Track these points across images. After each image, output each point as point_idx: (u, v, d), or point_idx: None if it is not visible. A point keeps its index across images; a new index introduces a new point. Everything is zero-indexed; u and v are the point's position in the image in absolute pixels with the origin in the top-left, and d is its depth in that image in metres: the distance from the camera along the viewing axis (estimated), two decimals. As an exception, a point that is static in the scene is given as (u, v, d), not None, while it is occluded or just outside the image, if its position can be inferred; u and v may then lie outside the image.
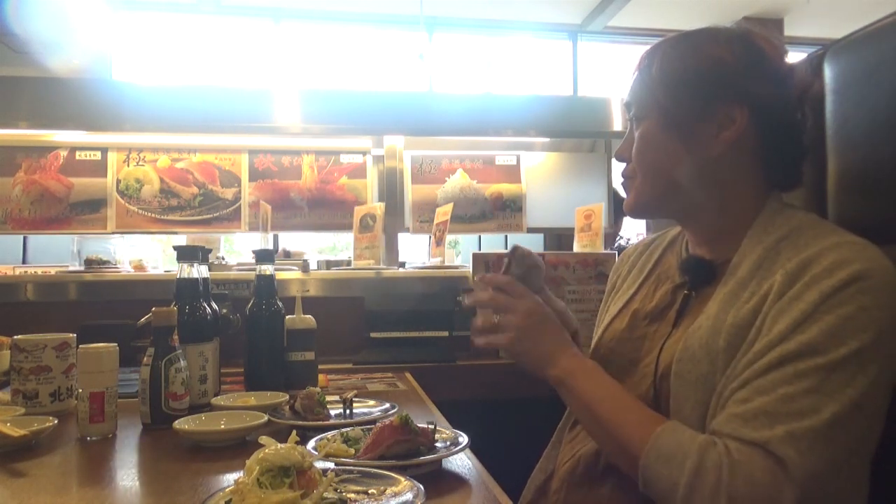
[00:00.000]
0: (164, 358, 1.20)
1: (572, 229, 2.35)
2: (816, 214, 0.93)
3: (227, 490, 0.74)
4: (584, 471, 0.97)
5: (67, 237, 2.45)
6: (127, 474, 0.99)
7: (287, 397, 1.27)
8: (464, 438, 0.98)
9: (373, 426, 0.98)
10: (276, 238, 2.97)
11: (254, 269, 1.57)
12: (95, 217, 2.43)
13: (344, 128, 2.50)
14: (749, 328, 0.82)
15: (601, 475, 0.94)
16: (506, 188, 2.69)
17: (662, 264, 1.07)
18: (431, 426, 0.97)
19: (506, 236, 3.81)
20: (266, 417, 1.14)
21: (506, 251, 1.04)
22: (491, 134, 2.64)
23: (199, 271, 1.39)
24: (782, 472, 0.72)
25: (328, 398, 1.21)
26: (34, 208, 2.40)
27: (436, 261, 2.34)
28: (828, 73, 1.04)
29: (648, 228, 2.43)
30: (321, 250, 4.73)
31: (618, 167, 1.04)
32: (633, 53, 1.01)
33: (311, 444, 0.96)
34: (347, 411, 1.20)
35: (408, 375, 1.73)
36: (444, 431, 1.02)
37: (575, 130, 2.69)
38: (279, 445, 0.74)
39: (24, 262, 3.66)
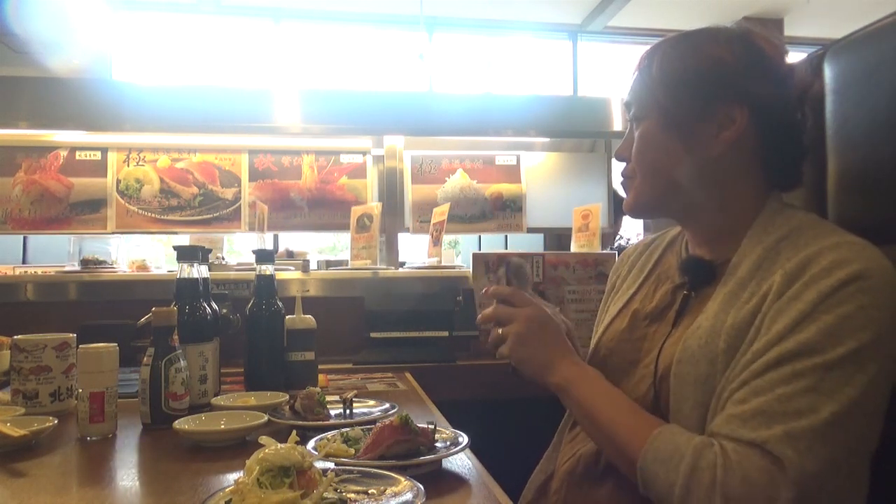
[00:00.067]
0: (164, 358, 1.20)
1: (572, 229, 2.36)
2: (816, 214, 0.93)
3: (227, 490, 0.74)
4: (583, 471, 0.97)
5: (66, 237, 2.45)
6: (127, 474, 0.99)
7: (287, 397, 1.27)
8: (464, 438, 0.98)
9: (373, 426, 0.98)
10: (276, 238, 2.97)
11: (254, 269, 1.58)
12: (95, 217, 2.43)
13: (344, 128, 2.50)
14: (748, 329, 0.82)
15: (601, 475, 0.94)
16: (506, 188, 2.69)
17: (662, 264, 1.07)
18: (431, 426, 0.97)
19: (506, 236, 3.82)
20: (266, 417, 1.14)
21: (504, 251, 1.05)
22: (491, 134, 2.64)
23: (199, 271, 1.39)
24: (779, 472, 0.72)
25: (328, 398, 1.21)
26: (34, 208, 2.40)
27: (433, 261, 2.34)
28: (828, 73, 1.03)
29: (646, 228, 2.43)
30: (321, 250, 4.73)
31: (618, 167, 1.04)
32: (633, 53, 1.01)
33: (311, 444, 0.96)
34: (347, 411, 1.20)
35: (408, 375, 1.73)
36: (444, 431, 1.02)
37: (575, 130, 2.69)
38: (279, 445, 0.74)
39: (24, 262, 3.66)
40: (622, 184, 1.02)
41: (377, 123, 2.49)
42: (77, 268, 2.25)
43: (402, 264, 2.51)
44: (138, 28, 6.20)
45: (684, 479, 0.76)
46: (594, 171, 2.77)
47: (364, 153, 2.61)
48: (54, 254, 2.68)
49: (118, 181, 2.45)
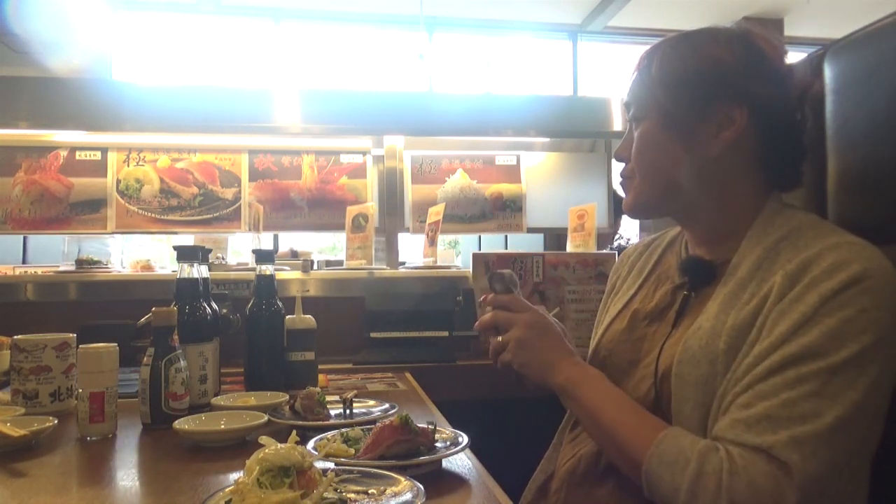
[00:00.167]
0: (164, 358, 1.20)
1: (571, 229, 2.36)
2: (816, 214, 0.93)
3: (227, 490, 0.74)
4: (584, 471, 0.97)
5: (61, 237, 2.45)
6: (127, 474, 0.99)
7: (287, 397, 1.26)
8: (464, 438, 0.98)
9: (373, 426, 0.98)
10: (276, 238, 2.97)
11: (254, 269, 1.57)
12: (95, 217, 2.43)
13: (344, 128, 2.50)
14: (749, 329, 0.82)
15: (601, 475, 0.94)
16: (506, 188, 2.69)
17: (662, 265, 1.07)
18: (431, 426, 0.97)
19: (506, 236, 3.82)
20: (266, 417, 1.14)
21: (503, 250, 1.05)
22: (491, 134, 2.64)
23: (199, 271, 1.39)
24: (785, 477, 0.73)
25: (328, 398, 1.21)
26: (34, 208, 2.39)
27: (428, 261, 2.34)
28: (828, 73, 1.03)
29: (644, 228, 2.43)
30: (321, 250, 4.73)
31: (618, 167, 1.04)
32: (633, 53, 1.01)
33: (311, 444, 0.96)
34: (347, 411, 1.20)
35: (408, 375, 1.73)
36: (444, 431, 1.02)
37: (575, 130, 2.69)
38: (279, 445, 0.74)
39: (24, 262, 3.66)
40: (621, 184, 1.02)
41: (377, 123, 2.49)
42: (72, 268, 2.25)
43: (402, 264, 2.51)
44: (138, 28, 6.20)
45: (690, 483, 0.76)
46: (594, 171, 2.78)
47: (364, 153, 2.61)
48: (54, 254, 2.68)
49: (118, 181, 2.45)
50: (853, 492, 0.80)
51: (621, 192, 1.03)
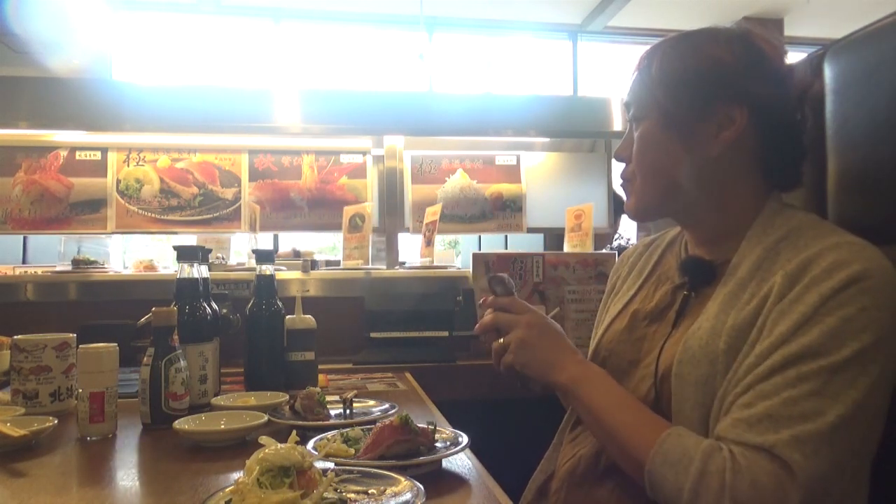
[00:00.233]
0: (164, 358, 1.20)
1: (571, 229, 2.36)
2: (816, 214, 0.93)
3: (227, 490, 0.74)
4: (584, 471, 0.97)
5: (58, 237, 2.45)
6: (127, 474, 0.99)
7: (287, 397, 1.27)
8: (464, 438, 0.98)
9: (373, 426, 0.98)
10: (276, 238, 2.97)
11: (253, 269, 1.57)
12: (95, 217, 2.43)
13: (344, 128, 2.50)
14: (749, 329, 0.82)
15: (601, 475, 0.94)
16: (506, 188, 2.69)
17: (662, 265, 1.07)
18: (431, 426, 0.97)
19: (506, 236, 3.82)
20: (266, 417, 1.14)
21: (503, 250, 1.05)
22: (491, 134, 2.64)
23: (199, 271, 1.39)
24: (788, 476, 0.73)
25: (328, 398, 1.21)
26: (34, 208, 2.40)
27: (425, 261, 2.34)
28: (828, 73, 1.03)
29: (642, 228, 2.43)
30: (321, 250, 4.73)
31: (618, 167, 1.04)
32: (633, 53, 1.01)
33: (311, 444, 0.96)
34: (347, 411, 1.20)
35: (408, 375, 1.73)
36: (444, 431, 1.02)
37: (575, 130, 2.69)
38: (279, 445, 0.74)
39: (24, 262, 3.66)
40: (622, 186, 1.02)
41: (377, 123, 2.49)
42: (68, 268, 2.25)
43: (402, 264, 2.51)
44: (138, 28, 6.20)
45: (693, 482, 0.76)
46: (594, 171, 2.78)
47: (364, 153, 2.61)
48: (54, 254, 2.68)
49: (118, 181, 2.45)
50: (854, 491, 0.80)
51: (621, 193, 1.03)
